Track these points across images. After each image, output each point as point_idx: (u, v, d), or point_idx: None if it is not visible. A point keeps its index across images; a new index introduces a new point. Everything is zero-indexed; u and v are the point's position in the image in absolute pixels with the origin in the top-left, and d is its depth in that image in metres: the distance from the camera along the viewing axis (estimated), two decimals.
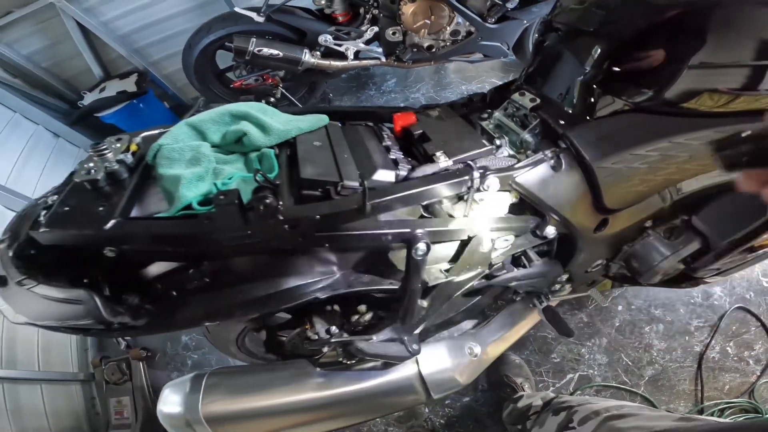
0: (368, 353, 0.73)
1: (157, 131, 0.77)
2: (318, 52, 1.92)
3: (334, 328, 0.73)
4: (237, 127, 0.71)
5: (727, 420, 1.25)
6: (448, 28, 1.89)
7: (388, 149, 0.82)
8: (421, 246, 0.67)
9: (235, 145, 0.73)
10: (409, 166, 0.77)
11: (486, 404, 1.41)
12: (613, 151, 0.81)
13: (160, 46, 2.52)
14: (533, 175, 0.78)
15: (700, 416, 1.17)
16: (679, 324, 1.46)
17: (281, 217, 0.56)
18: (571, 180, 0.81)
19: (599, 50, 0.80)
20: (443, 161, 0.76)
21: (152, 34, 2.45)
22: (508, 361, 1.39)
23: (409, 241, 0.67)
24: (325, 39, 1.89)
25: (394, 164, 0.77)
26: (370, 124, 0.94)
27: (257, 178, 0.59)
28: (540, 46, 1.03)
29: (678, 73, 0.74)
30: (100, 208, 0.59)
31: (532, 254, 0.91)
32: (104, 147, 0.66)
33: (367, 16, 1.90)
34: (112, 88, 2.30)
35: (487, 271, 0.82)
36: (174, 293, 0.64)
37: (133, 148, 0.70)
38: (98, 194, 0.63)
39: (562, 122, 0.84)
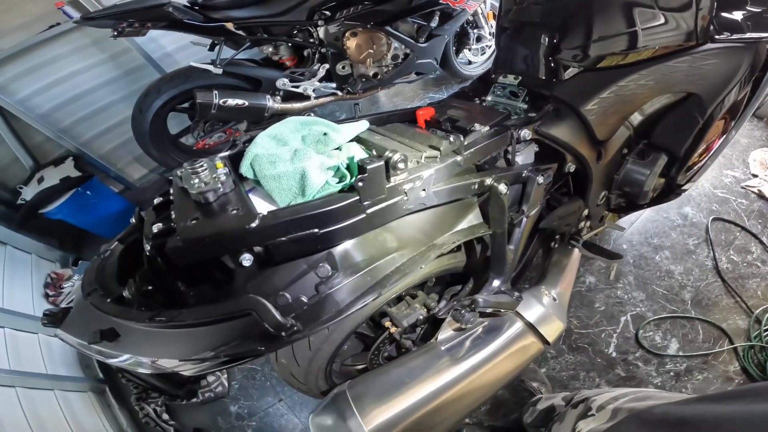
0: (487, 305, 0.82)
1: (227, 152, 0.80)
2: (279, 97, 2.01)
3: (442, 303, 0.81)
4: (318, 129, 0.78)
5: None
6: (388, 54, 2.14)
7: (429, 132, 0.96)
8: (502, 187, 0.80)
9: (315, 146, 0.80)
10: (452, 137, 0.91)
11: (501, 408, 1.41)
12: (587, 98, 1.04)
13: (88, 123, 2.38)
14: (547, 124, 0.98)
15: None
16: (680, 246, 1.67)
17: (411, 176, 0.65)
18: (571, 123, 1.02)
19: (545, 36, 1.06)
20: (482, 128, 0.91)
21: (77, 110, 2.32)
22: None
23: (491, 185, 0.80)
24: (283, 83, 2.00)
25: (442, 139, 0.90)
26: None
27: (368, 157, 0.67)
28: (499, 42, 1.28)
29: (589, 46, 1.00)
30: (233, 212, 0.61)
31: (557, 196, 1.10)
32: (200, 165, 0.68)
33: (315, 57, 2.07)
34: (52, 176, 2.09)
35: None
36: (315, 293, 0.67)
37: (219, 165, 0.73)
38: (212, 207, 0.64)
39: (544, 87, 1.07)
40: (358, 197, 0.62)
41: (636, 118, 1.16)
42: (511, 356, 0.94)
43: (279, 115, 2.03)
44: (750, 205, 1.82)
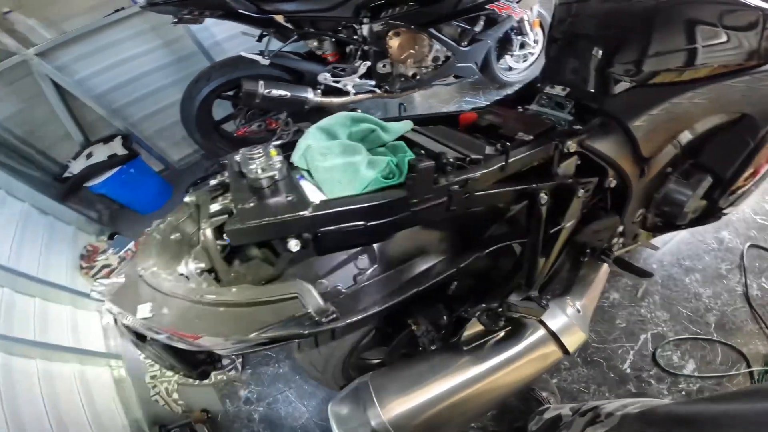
0: (515, 310, 0.83)
1: (278, 141, 0.84)
2: (319, 91, 2.06)
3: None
4: (366, 126, 0.81)
5: None
6: (429, 56, 2.15)
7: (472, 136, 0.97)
8: (543, 196, 0.80)
9: (363, 141, 0.83)
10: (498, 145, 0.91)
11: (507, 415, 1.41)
12: (637, 113, 1.02)
13: (139, 105, 2.51)
14: (593, 138, 0.97)
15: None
16: (711, 270, 1.64)
17: (457, 178, 0.66)
18: (617, 138, 1.01)
19: (598, 49, 1.05)
20: (527, 137, 0.91)
21: (130, 92, 2.44)
22: None
23: (532, 194, 0.80)
24: (325, 77, 2.05)
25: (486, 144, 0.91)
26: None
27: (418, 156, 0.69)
28: (549, 53, 1.27)
29: (644, 60, 0.98)
30: (288, 198, 0.64)
31: (594, 210, 1.09)
32: (258, 151, 0.71)
33: (357, 53, 2.11)
34: (100, 153, 2.23)
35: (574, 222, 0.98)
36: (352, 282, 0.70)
37: (273, 153, 0.77)
38: (267, 192, 0.68)
39: (593, 100, 1.06)
40: (405, 194, 0.65)
41: (685, 136, 1.13)
42: (531, 362, 0.95)
43: (318, 109, 2.08)
44: None
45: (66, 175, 2.18)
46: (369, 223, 0.65)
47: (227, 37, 2.57)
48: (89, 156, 2.22)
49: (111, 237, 2.19)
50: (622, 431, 0.61)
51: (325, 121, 0.84)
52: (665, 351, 1.46)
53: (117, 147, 2.29)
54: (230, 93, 2.11)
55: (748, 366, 1.39)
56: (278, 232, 0.63)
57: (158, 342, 1.45)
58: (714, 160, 1.15)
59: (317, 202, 0.63)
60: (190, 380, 1.63)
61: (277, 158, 0.73)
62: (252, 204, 0.64)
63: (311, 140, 0.77)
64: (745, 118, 1.08)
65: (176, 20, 1.78)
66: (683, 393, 1.37)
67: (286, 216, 0.61)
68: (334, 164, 0.70)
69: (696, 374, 1.40)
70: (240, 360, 1.67)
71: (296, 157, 0.76)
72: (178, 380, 1.67)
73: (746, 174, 1.14)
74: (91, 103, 2.29)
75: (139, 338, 1.45)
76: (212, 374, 1.62)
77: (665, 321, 1.53)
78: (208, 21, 1.91)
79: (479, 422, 1.39)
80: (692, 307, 1.55)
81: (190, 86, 2.02)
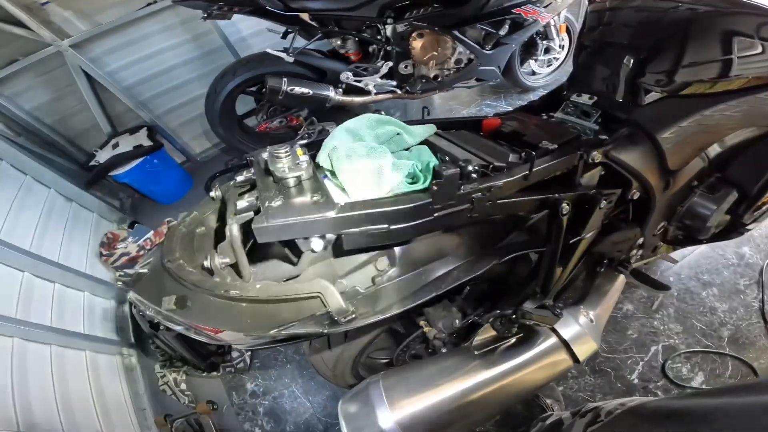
0: (528, 317, 0.83)
1: (305, 141, 0.86)
2: (340, 89, 2.08)
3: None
4: (391, 128, 0.82)
5: None
6: (452, 58, 2.15)
7: (495, 143, 0.97)
8: (565, 206, 0.80)
9: (387, 144, 0.83)
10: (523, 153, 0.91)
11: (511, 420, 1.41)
12: (666, 125, 1.00)
13: (164, 98, 2.57)
14: (619, 148, 0.96)
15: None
16: (729, 285, 1.62)
17: (480, 186, 0.67)
18: (644, 149, 0.99)
19: (630, 58, 1.03)
20: (551, 146, 0.90)
21: (157, 85, 2.51)
22: None
23: (554, 204, 0.80)
24: (347, 76, 2.07)
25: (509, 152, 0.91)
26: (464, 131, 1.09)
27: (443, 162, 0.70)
28: (577, 60, 1.26)
29: (676, 71, 0.96)
30: (314, 198, 0.66)
31: (615, 221, 1.08)
32: (285, 150, 0.73)
33: (380, 53, 2.11)
34: (126, 143, 2.30)
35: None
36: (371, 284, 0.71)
37: (300, 153, 0.78)
38: (294, 191, 0.69)
39: (620, 110, 1.04)
40: (430, 200, 0.65)
41: (714, 149, 1.11)
42: (540, 369, 0.95)
43: (339, 107, 2.10)
44: None
45: (92, 163, 2.25)
46: (392, 227, 0.65)
47: (253, 33, 2.62)
48: (115, 146, 2.29)
49: (131, 226, 2.26)
50: (616, 426, 0.62)
51: (350, 123, 0.85)
52: (675, 363, 1.46)
53: (142, 138, 2.35)
54: (254, 89, 2.15)
55: None
56: (303, 232, 0.64)
57: (171, 332, 1.49)
58: (741, 174, 1.12)
59: (342, 203, 0.64)
60: (199, 371, 1.68)
61: (303, 158, 0.74)
62: (279, 202, 0.65)
63: (337, 141, 0.79)
64: None
65: (206, 15, 1.82)
66: None
67: (311, 216, 0.62)
68: (360, 166, 0.71)
69: (704, 387, 1.39)
70: (249, 354, 1.69)
71: (322, 157, 0.77)
72: (186, 371, 1.70)
73: None
74: (120, 94, 2.36)
75: (153, 327, 1.49)
76: (221, 366, 1.66)
77: (678, 333, 1.53)
78: (235, 17, 1.94)
79: (483, 426, 1.39)
80: (706, 320, 1.54)
81: (216, 81, 2.06)
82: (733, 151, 1.11)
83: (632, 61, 1.01)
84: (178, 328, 0.66)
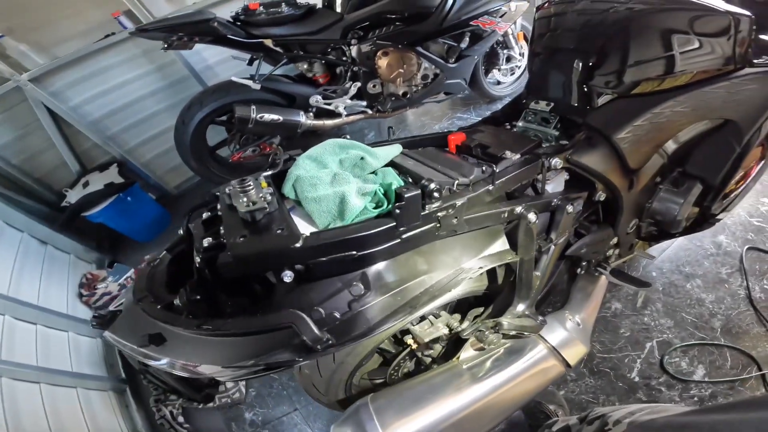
0: (511, 327, 0.83)
1: (269, 172, 0.85)
2: (311, 113, 2.09)
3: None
4: (355, 153, 0.82)
5: None
6: (418, 74, 2.20)
7: (461, 158, 0.99)
8: (531, 216, 0.81)
9: (352, 169, 0.84)
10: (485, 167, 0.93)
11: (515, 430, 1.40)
12: (621, 125, 1.03)
13: (133, 131, 2.53)
14: (579, 152, 0.98)
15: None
16: (712, 275, 1.63)
17: (444, 204, 0.68)
18: (603, 151, 1.02)
19: (579, 62, 1.07)
20: (513, 156, 0.93)
21: (123, 118, 2.46)
22: None
23: (520, 214, 0.81)
24: (316, 100, 2.08)
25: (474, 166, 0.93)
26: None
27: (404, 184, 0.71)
28: (532, 68, 1.30)
29: (624, 71, 1.01)
30: (278, 231, 0.65)
31: (586, 224, 1.10)
32: (248, 184, 0.72)
33: (347, 75, 2.15)
34: (97, 181, 2.24)
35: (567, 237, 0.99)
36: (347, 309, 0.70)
37: (264, 185, 0.78)
38: (259, 225, 0.69)
39: (576, 114, 1.08)
40: (394, 223, 0.65)
41: (670, 146, 1.15)
42: (532, 377, 0.95)
43: (311, 132, 2.10)
44: None
45: (63, 204, 2.18)
46: (360, 253, 0.65)
47: (219, 61, 2.62)
48: (86, 185, 2.23)
49: (110, 265, 2.19)
50: None
51: (314, 150, 0.85)
52: (673, 358, 1.45)
53: (113, 175, 2.30)
54: (223, 118, 2.14)
55: (759, 369, 1.37)
56: (270, 265, 0.64)
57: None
58: (702, 167, 1.16)
59: (308, 234, 0.64)
60: (194, 404, 1.63)
61: (267, 190, 0.74)
62: (243, 238, 0.65)
63: (301, 170, 0.79)
64: (728, 123, 1.10)
65: (166, 46, 1.82)
66: (695, 399, 1.35)
67: (276, 250, 0.62)
68: (324, 194, 0.71)
69: (707, 380, 1.38)
70: (243, 383, 1.66)
71: (287, 188, 0.77)
72: (182, 404, 1.65)
73: (736, 178, 1.16)
74: (86, 130, 2.31)
75: (143, 363, 1.43)
76: (216, 397, 1.61)
77: (669, 328, 1.52)
78: (199, 45, 1.94)
79: None
80: (696, 312, 1.55)
81: (183, 112, 2.04)
82: (690, 145, 1.16)
83: (581, 64, 1.05)
84: (159, 365, 0.64)
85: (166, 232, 2.59)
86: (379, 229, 0.65)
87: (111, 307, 0.71)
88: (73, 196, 2.18)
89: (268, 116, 1.92)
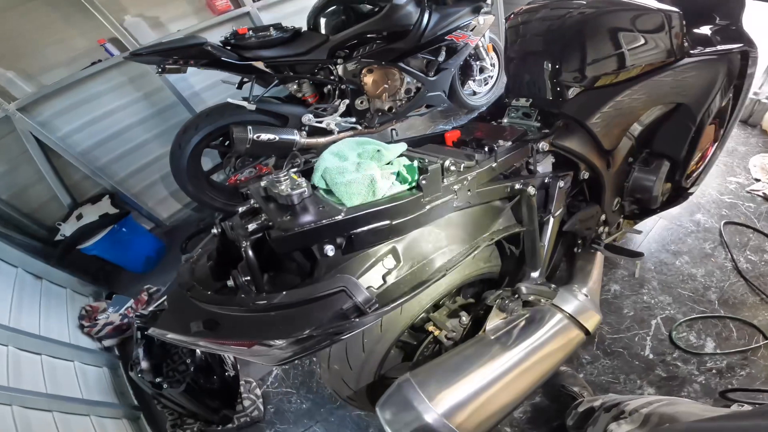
0: (529, 292, 0.93)
1: (296, 169, 0.94)
2: (305, 132, 2.19)
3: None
4: (371, 147, 0.93)
5: None
6: (402, 89, 2.35)
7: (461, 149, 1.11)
8: (531, 189, 0.93)
9: (371, 160, 0.94)
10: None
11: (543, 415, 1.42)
12: (591, 113, 1.18)
13: (123, 161, 2.51)
14: (560, 137, 1.13)
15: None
16: (697, 251, 1.74)
17: (459, 177, 0.78)
18: (580, 135, 1.17)
19: (548, 62, 1.22)
20: (506, 143, 1.06)
21: (113, 148, 2.44)
22: (560, 372, 1.42)
23: (521, 188, 0.93)
24: (308, 118, 2.19)
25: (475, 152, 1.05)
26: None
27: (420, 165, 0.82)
28: (509, 71, 1.45)
29: (585, 68, 1.14)
30: (320, 208, 0.74)
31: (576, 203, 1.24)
32: (284, 175, 0.81)
33: (336, 93, 2.28)
34: (90, 213, 2.23)
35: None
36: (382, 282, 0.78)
37: (295, 177, 0.86)
38: (298, 207, 0.76)
39: (553, 106, 1.22)
40: (421, 193, 0.75)
41: (636, 128, 1.31)
42: (556, 344, 1.02)
43: (305, 150, 2.20)
44: (758, 208, 1.91)
45: (57, 238, 2.15)
46: (393, 222, 0.75)
47: (205, 87, 2.67)
48: (79, 217, 2.21)
49: (108, 297, 2.16)
50: None
51: (334, 147, 0.95)
52: (680, 333, 1.49)
53: (106, 206, 2.29)
54: (217, 142, 2.20)
55: (765, 337, 1.43)
56: (316, 238, 0.71)
57: (176, 389, 1.45)
58: (666, 146, 1.34)
59: (348, 208, 0.73)
60: (212, 426, 1.61)
61: (300, 179, 0.83)
62: (289, 217, 0.73)
63: (327, 162, 0.88)
64: (680, 106, 1.27)
65: (160, 70, 1.87)
66: (714, 372, 1.39)
67: (322, 221, 0.70)
68: (353, 178, 0.81)
69: (718, 351, 1.42)
70: (261, 400, 1.65)
71: (316, 178, 0.86)
72: (200, 427, 1.62)
73: (698, 154, 1.33)
74: (76, 161, 2.27)
75: (156, 387, 1.45)
76: (234, 417, 1.60)
77: (669, 304, 1.58)
78: (187, 72, 1.98)
79: (514, 428, 1.39)
80: (691, 287, 1.62)
81: (179, 136, 2.07)
82: (653, 128, 1.33)
83: (550, 65, 1.19)
84: (211, 348, 0.69)
85: (162, 262, 2.57)
86: (408, 200, 0.75)
87: (151, 308, 0.73)
88: (67, 230, 2.16)
89: (265, 136, 2.00)
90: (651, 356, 1.46)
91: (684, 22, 1.14)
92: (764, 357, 1.40)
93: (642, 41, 1.12)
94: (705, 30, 1.27)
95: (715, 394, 1.32)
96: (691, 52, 1.19)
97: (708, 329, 1.50)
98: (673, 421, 0.69)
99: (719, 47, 1.23)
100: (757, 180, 2.07)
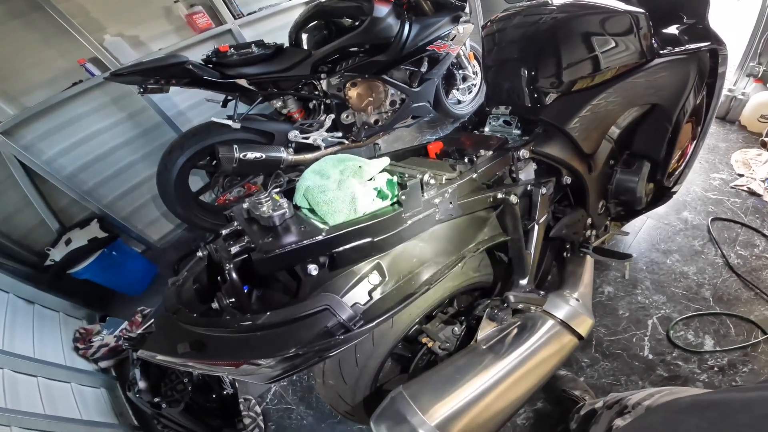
0: (518, 300, 0.93)
1: (277, 189, 0.95)
2: (291, 149, 2.20)
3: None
4: (353, 163, 0.93)
5: None
6: (387, 101, 2.38)
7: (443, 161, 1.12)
8: (513, 198, 0.95)
9: (353, 177, 0.94)
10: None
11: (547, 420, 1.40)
12: (569, 117, 1.19)
13: (110, 184, 2.49)
14: (540, 143, 1.14)
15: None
16: (687, 248, 1.73)
17: (439, 190, 0.79)
18: (560, 140, 1.19)
19: (524, 69, 1.23)
20: (487, 152, 1.07)
21: (99, 171, 2.43)
22: (561, 377, 1.42)
23: (503, 198, 0.94)
24: (294, 135, 2.20)
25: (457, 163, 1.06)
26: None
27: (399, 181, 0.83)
28: (487, 79, 1.47)
29: (561, 73, 1.16)
30: (302, 228, 0.74)
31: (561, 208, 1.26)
32: (266, 196, 0.81)
33: (321, 108, 2.29)
34: (79, 238, 2.21)
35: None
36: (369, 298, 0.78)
37: (277, 197, 0.87)
38: (280, 228, 0.77)
39: (531, 113, 1.24)
40: (401, 209, 0.76)
41: (615, 131, 1.33)
42: (549, 351, 1.02)
43: (293, 166, 2.20)
44: (744, 203, 1.92)
45: (47, 263, 2.13)
46: (375, 239, 0.75)
47: (190, 106, 2.68)
48: (68, 242, 2.19)
49: (102, 319, 2.14)
50: (648, 420, 0.63)
51: (315, 165, 0.95)
52: (677, 332, 1.47)
53: (95, 230, 2.28)
54: (204, 162, 2.18)
55: (764, 332, 1.42)
56: (299, 258, 0.72)
57: (176, 408, 1.43)
58: (645, 147, 1.36)
59: (329, 227, 0.73)
60: None
61: (282, 200, 0.83)
62: (270, 238, 0.73)
63: (308, 182, 0.88)
64: (656, 107, 1.29)
65: (142, 90, 1.85)
66: (716, 369, 1.37)
67: (303, 242, 0.70)
68: (334, 196, 0.81)
69: (718, 349, 1.40)
70: (261, 417, 1.63)
71: (298, 198, 0.86)
72: None
73: (677, 153, 1.35)
74: (62, 185, 2.24)
75: (155, 407, 1.42)
76: None
77: (664, 303, 1.56)
78: (170, 91, 1.98)
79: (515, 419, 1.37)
80: (684, 285, 1.61)
81: (165, 157, 2.05)
82: (631, 130, 1.35)
83: (526, 71, 1.20)
84: (196, 371, 0.68)
85: (154, 284, 2.55)
86: (389, 216, 0.75)
87: (139, 330, 0.73)
88: (56, 255, 2.14)
89: (251, 155, 2.00)
90: (650, 356, 1.45)
91: (650, 23, 1.16)
92: (765, 352, 1.39)
93: (612, 43, 1.13)
94: (673, 30, 1.30)
95: None
96: (661, 52, 1.21)
97: (705, 327, 1.49)
98: None
99: (688, 46, 1.25)
100: (741, 175, 2.09)
